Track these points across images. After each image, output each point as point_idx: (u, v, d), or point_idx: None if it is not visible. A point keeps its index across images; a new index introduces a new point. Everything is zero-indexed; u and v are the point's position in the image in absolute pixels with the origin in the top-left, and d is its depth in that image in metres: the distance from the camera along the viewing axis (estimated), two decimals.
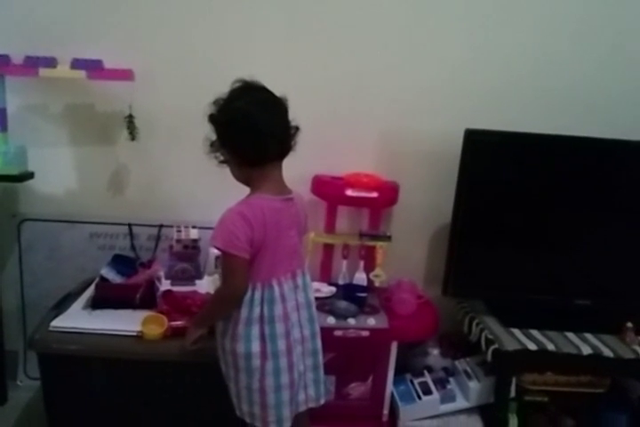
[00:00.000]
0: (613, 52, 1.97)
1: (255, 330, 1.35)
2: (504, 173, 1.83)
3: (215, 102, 1.34)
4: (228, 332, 1.37)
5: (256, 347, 1.35)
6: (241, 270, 1.33)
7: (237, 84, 1.35)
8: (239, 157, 1.34)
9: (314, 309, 1.48)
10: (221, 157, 1.38)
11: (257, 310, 1.35)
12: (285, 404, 1.39)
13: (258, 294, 1.35)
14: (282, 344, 1.36)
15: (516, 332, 1.79)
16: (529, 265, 1.89)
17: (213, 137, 1.36)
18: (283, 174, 1.39)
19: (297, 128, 1.37)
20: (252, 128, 1.29)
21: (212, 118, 1.35)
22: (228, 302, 1.37)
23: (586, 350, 1.71)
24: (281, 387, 1.37)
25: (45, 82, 1.82)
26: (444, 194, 1.87)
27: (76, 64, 1.76)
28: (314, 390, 1.48)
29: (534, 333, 1.78)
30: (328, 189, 1.95)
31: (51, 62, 1.76)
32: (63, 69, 1.76)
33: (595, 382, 1.80)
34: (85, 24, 1.86)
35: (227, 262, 1.34)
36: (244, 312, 1.35)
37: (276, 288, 1.37)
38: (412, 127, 2.00)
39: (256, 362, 1.35)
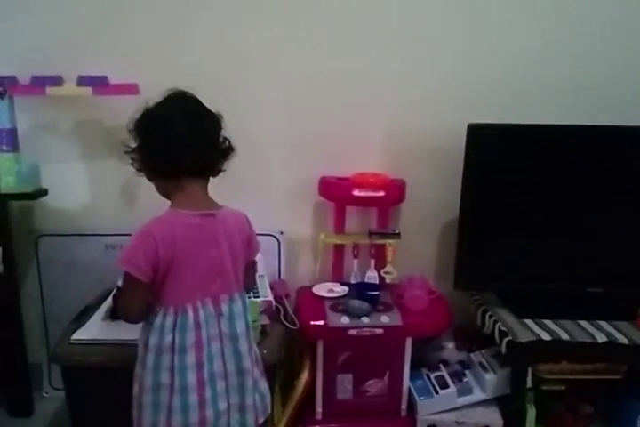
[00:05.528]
0: (612, 39, 1.97)
1: (166, 360, 1.21)
2: (508, 165, 1.84)
3: (141, 108, 1.25)
4: (139, 357, 1.26)
5: (165, 378, 1.21)
6: (134, 292, 1.21)
7: (168, 93, 1.26)
8: (150, 166, 1.25)
9: (242, 342, 1.28)
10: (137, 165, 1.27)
11: (168, 338, 1.21)
12: None
13: (169, 321, 1.21)
14: (192, 377, 1.21)
15: (530, 323, 1.80)
16: (539, 255, 1.90)
17: (132, 143, 1.27)
18: (208, 191, 1.29)
19: (231, 149, 1.28)
20: (168, 136, 1.19)
21: (133, 123, 1.26)
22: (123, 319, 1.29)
23: (601, 338, 1.71)
24: None
25: (53, 100, 1.86)
26: (451, 189, 1.88)
27: (82, 81, 1.80)
28: None
29: (548, 323, 1.80)
30: (335, 191, 1.98)
31: (57, 81, 1.80)
32: (69, 87, 1.80)
33: (611, 369, 1.80)
34: (89, 42, 1.90)
35: (124, 281, 1.22)
36: (153, 340, 1.22)
37: (191, 314, 1.22)
38: (416, 125, 2.01)
39: (164, 396, 1.21)
